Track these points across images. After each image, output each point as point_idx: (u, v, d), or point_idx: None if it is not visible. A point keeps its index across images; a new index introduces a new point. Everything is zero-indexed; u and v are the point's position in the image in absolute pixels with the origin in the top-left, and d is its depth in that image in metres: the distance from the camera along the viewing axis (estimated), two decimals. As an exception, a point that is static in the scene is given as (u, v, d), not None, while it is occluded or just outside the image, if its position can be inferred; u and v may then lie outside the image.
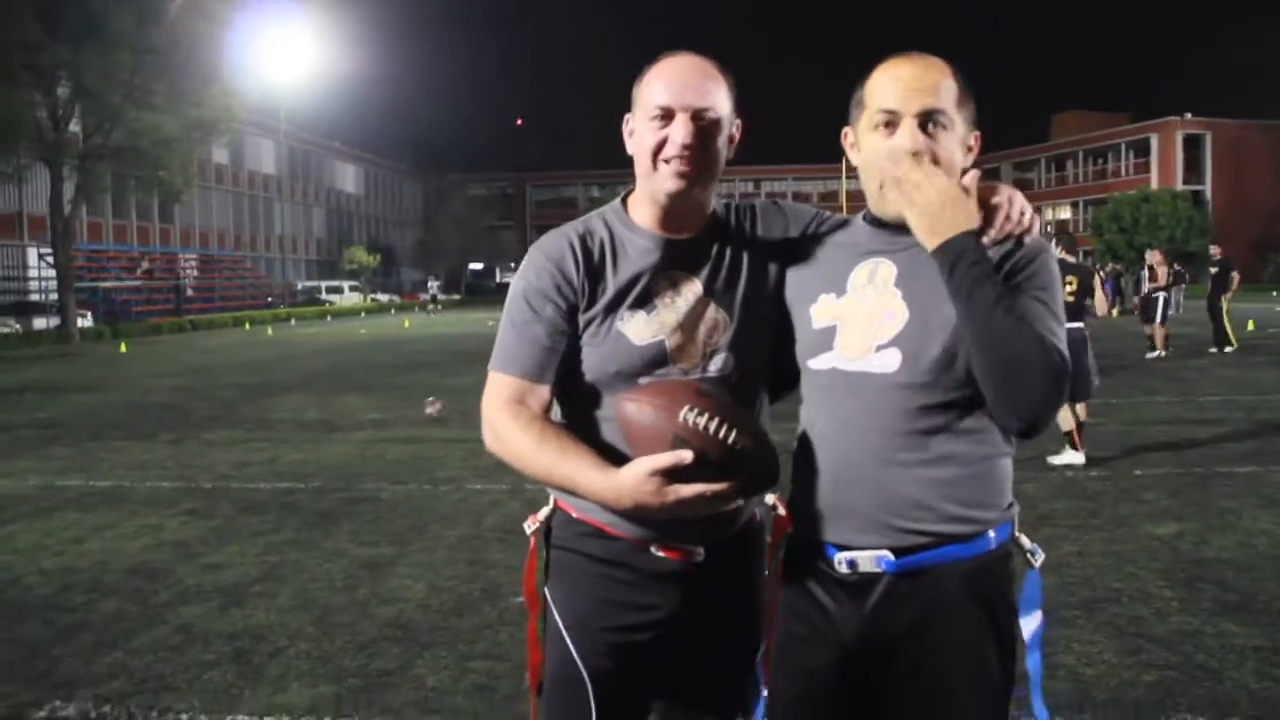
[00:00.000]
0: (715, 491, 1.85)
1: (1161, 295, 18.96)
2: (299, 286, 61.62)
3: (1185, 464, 8.70)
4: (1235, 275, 20.22)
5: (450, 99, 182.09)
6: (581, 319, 2.08)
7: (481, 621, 5.02)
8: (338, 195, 77.70)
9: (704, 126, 2.01)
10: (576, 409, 2.15)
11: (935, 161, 1.92)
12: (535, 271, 2.11)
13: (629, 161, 2.11)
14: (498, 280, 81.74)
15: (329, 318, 49.16)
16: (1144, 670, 4.31)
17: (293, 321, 44.82)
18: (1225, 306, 19.51)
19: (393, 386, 16.40)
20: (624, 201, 2.19)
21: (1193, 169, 70.63)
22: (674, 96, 2.00)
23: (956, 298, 1.84)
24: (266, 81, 42.91)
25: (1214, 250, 20.55)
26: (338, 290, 61.62)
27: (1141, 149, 72.88)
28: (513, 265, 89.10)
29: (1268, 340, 21.81)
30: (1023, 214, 1.96)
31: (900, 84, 1.94)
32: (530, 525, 2.21)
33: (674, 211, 2.08)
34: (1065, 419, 8.46)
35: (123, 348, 28.77)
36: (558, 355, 2.08)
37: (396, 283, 78.13)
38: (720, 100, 2.04)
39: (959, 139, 1.97)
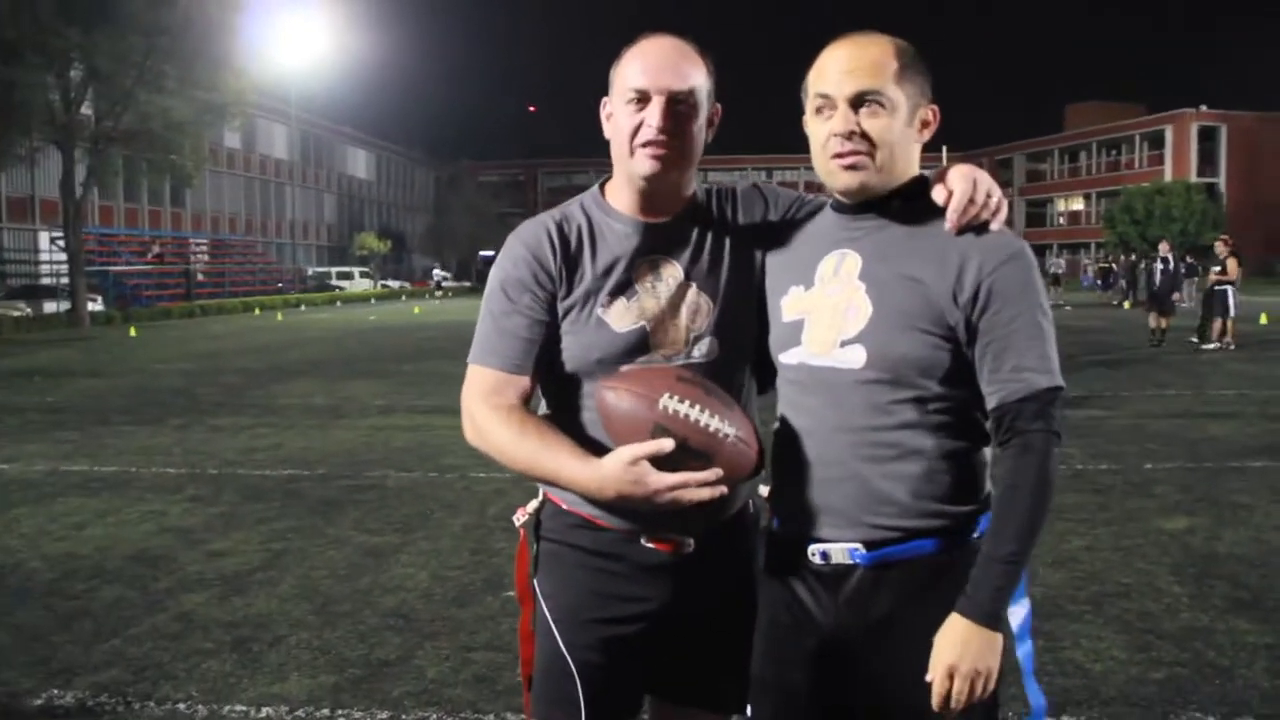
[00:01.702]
0: (698, 480, 1.81)
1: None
2: (309, 272, 61.70)
3: (1197, 458, 8.61)
4: (1229, 262, 19.10)
5: (463, 85, 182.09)
6: (561, 307, 2.05)
7: (483, 612, 4.98)
8: (349, 181, 77.73)
9: (681, 109, 1.98)
10: (559, 398, 2.12)
11: (869, 140, 1.87)
12: (512, 261, 2.08)
13: None
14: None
15: (339, 304, 49.24)
16: (1153, 667, 4.25)
17: (302, 307, 44.88)
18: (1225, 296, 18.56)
19: (401, 373, 16.38)
20: (602, 188, 2.16)
21: (1207, 161, 70.25)
22: (650, 79, 1.97)
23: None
24: (279, 66, 42.89)
25: (1219, 245, 19.80)
26: (348, 276, 61.75)
27: (1156, 141, 72.52)
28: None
29: (1275, 333, 21.66)
30: (988, 197, 1.90)
31: (834, 66, 1.91)
32: (519, 518, 2.18)
33: (652, 195, 2.05)
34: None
35: (132, 332, 28.80)
36: (537, 346, 2.05)
37: (407, 269, 78.23)
38: (698, 82, 2.01)
39: (901, 118, 1.90)
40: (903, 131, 1.91)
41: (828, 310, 1.94)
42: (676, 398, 1.84)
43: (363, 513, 7.05)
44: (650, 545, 2.05)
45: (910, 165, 1.96)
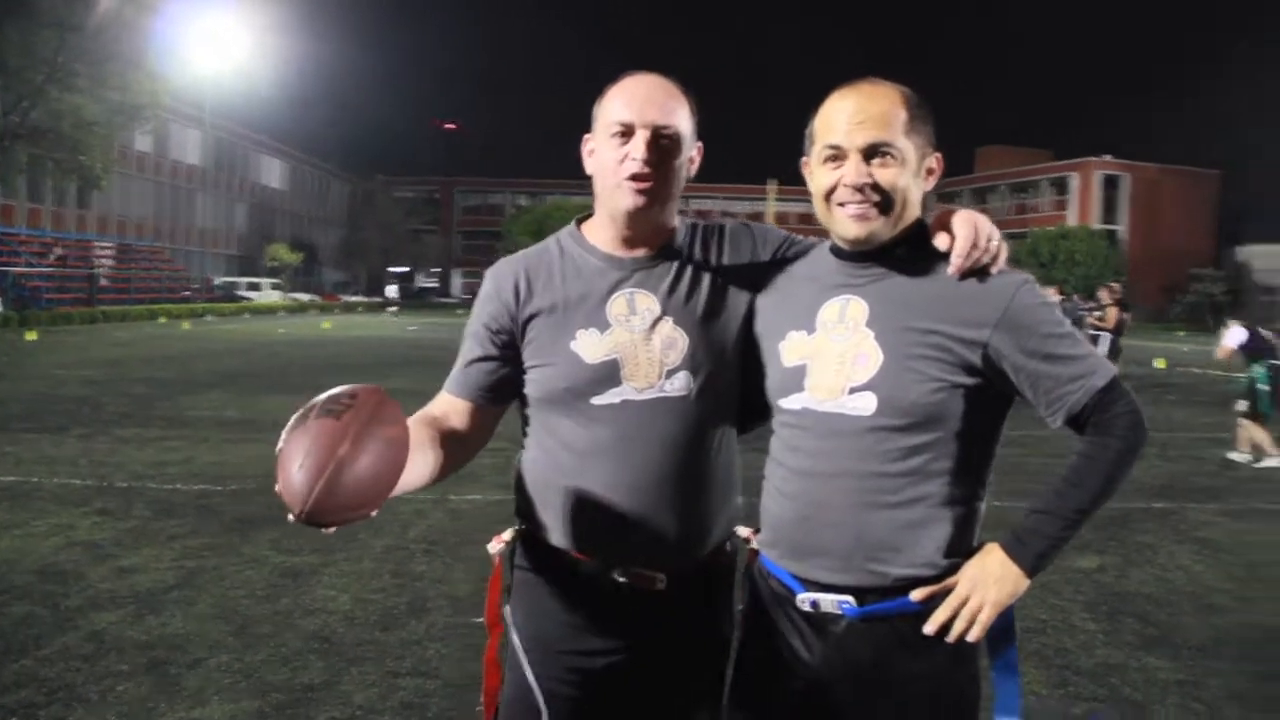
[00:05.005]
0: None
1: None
2: (217, 281, 60.32)
3: (1104, 498, 8.83)
4: (1109, 310, 19.32)
5: (381, 99, 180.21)
6: (531, 341, 2.09)
7: (409, 637, 4.91)
8: (262, 190, 76.25)
9: (664, 144, 2.01)
10: (533, 427, 2.15)
11: (880, 192, 1.90)
12: (482, 301, 2.18)
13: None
14: (420, 284, 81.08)
15: (247, 315, 48.24)
16: (1073, 703, 4.35)
17: (209, 317, 43.83)
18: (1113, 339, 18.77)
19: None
20: (579, 224, 2.19)
21: (1110, 209, 72.62)
22: (634, 113, 2.00)
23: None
24: (194, 70, 42.07)
25: (1103, 293, 20.07)
26: (257, 287, 60.49)
27: (1062, 186, 74.76)
28: (435, 270, 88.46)
29: (1177, 379, 22.41)
30: (989, 241, 1.94)
31: (844, 117, 1.92)
32: (495, 546, 2.17)
33: (633, 229, 2.08)
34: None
35: (30, 335, 27.84)
36: (493, 378, 2.13)
37: (318, 282, 76.94)
38: (681, 119, 2.04)
39: (910, 168, 1.93)
40: (911, 180, 1.94)
41: (834, 356, 1.95)
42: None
43: (280, 532, 6.88)
44: (622, 579, 2.05)
45: (914, 211, 1.99)
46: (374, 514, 1.76)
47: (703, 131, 2.11)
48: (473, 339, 2.16)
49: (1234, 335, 11.53)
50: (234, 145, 70.53)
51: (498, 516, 7.36)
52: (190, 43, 39.55)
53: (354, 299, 60.52)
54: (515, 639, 2.12)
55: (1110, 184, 73.02)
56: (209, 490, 8.16)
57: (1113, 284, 21.95)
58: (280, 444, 1.72)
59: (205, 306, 47.64)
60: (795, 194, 77.02)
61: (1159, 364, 25.06)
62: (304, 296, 63.55)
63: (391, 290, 55.46)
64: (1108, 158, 73.36)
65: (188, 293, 53.13)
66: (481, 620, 2.21)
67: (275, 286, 62.01)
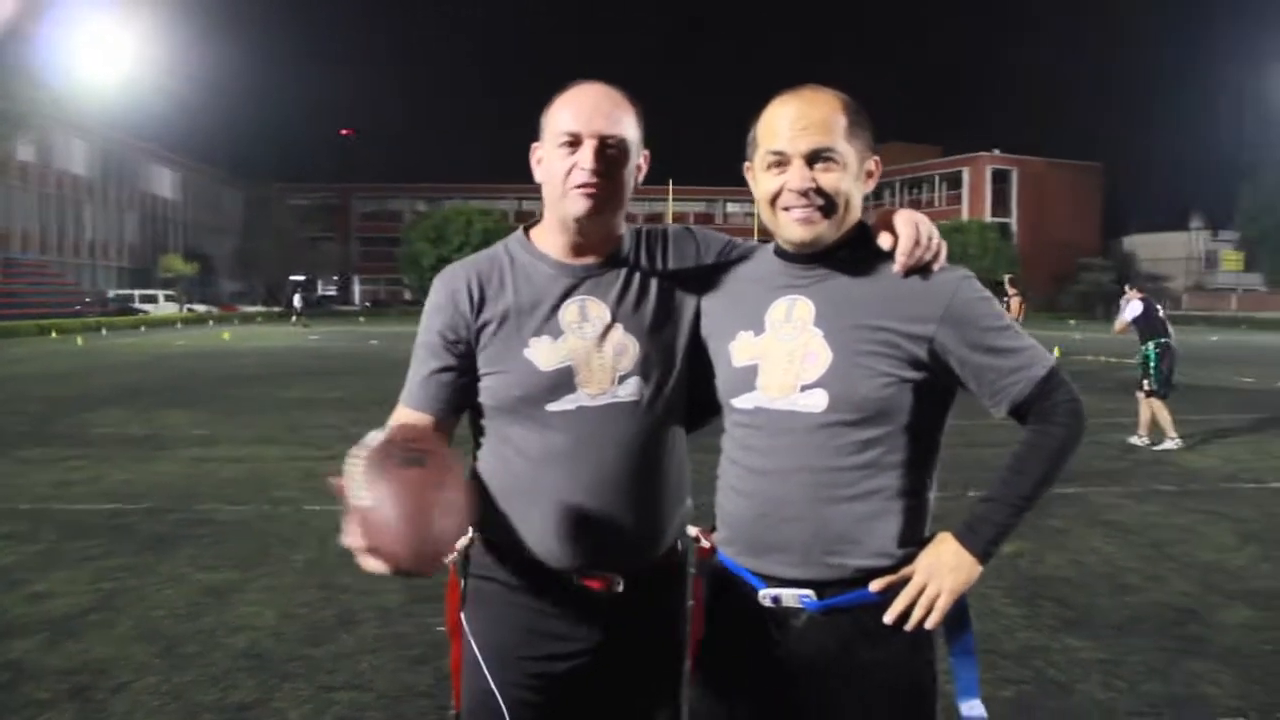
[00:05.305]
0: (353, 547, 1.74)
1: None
2: (110, 295, 58.55)
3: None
4: (1013, 301, 20.43)
5: (274, 105, 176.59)
6: (483, 349, 2.09)
7: (340, 650, 4.83)
8: (153, 200, 74.18)
9: (611, 153, 2.03)
10: (486, 435, 2.15)
11: (824, 196, 1.95)
12: (431, 310, 2.15)
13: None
14: (320, 293, 79.47)
15: (143, 328, 46.89)
16: (1001, 686, 4.47)
17: (104, 331, 42.50)
18: None
19: (219, 401, 15.72)
20: (526, 231, 2.20)
21: (1000, 202, 74.68)
22: (582, 123, 2.02)
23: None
24: (79, 78, 40.74)
25: (1007, 285, 21.50)
26: (152, 299, 58.93)
27: (954, 181, 76.62)
28: (335, 278, 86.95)
29: (1073, 366, 23.09)
30: (930, 239, 2.00)
31: (787, 123, 1.97)
32: (448, 555, 2.14)
33: (582, 237, 2.10)
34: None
35: (-87, 356, 26.73)
36: (446, 389, 2.11)
37: (214, 293, 75.17)
38: (628, 128, 2.07)
39: (852, 172, 1.98)
40: (852, 184, 1.99)
41: (783, 355, 1.99)
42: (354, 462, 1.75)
43: (197, 549, 6.73)
44: (581, 583, 2.06)
45: (856, 214, 2.04)
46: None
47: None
48: (427, 350, 2.12)
49: (1131, 309, 11.92)
50: (122, 154, 68.41)
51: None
52: (75, 49, 38.27)
53: (252, 309, 59.26)
54: (474, 647, 2.11)
55: (1000, 178, 75.08)
56: (121, 509, 7.92)
57: (1010, 274, 22.77)
58: (363, 499, 1.70)
59: (100, 320, 46.17)
60: (692, 194, 77.48)
61: (1055, 353, 25.67)
62: (201, 308, 62.10)
63: (297, 300, 54.52)
64: (996, 152, 75.44)
65: (79, 306, 51.45)
66: (443, 628, 2.20)
67: (171, 298, 60.46)
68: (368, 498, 1.70)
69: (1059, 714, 4.24)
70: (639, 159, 2.11)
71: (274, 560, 6.45)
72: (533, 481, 2.06)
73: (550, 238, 2.14)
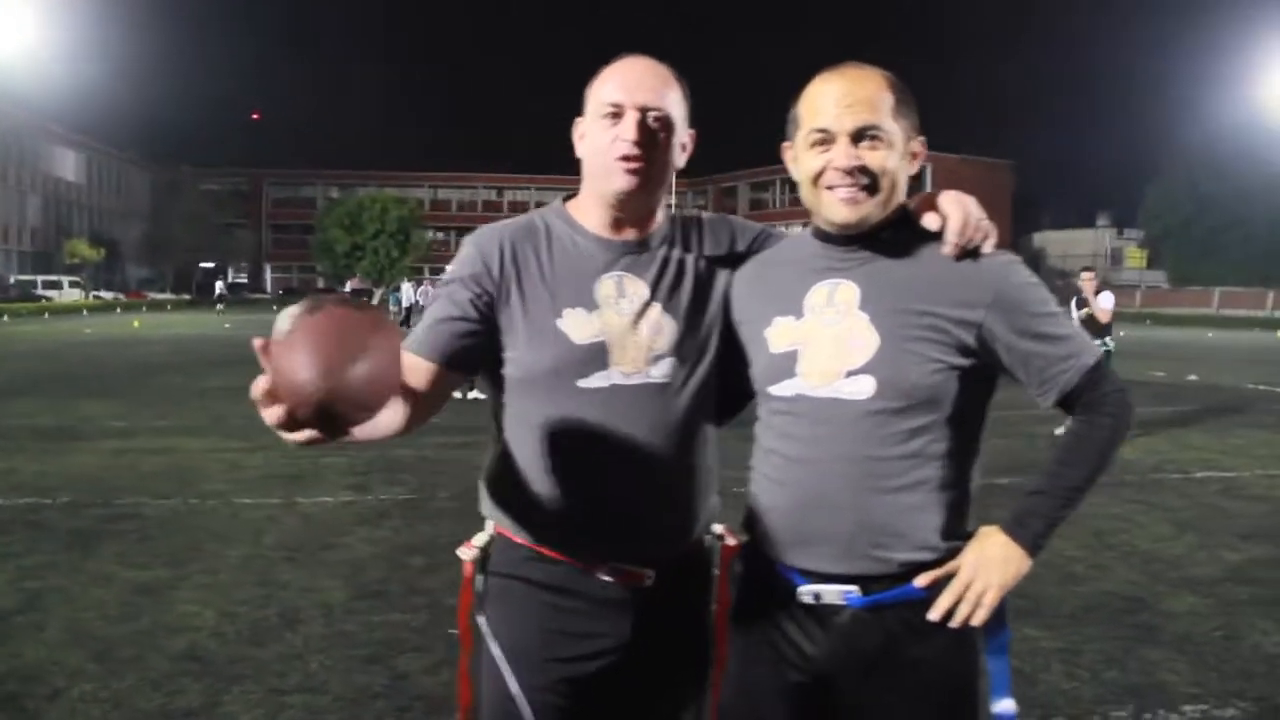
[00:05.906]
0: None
1: None
2: (11, 280, 56.58)
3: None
4: None
5: (183, 86, 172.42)
6: (512, 319, 1.98)
7: (287, 650, 4.65)
8: (56, 183, 71.83)
9: (653, 126, 1.96)
10: (511, 418, 2.04)
11: (869, 175, 1.88)
12: (461, 263, 2.04)
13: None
14: (230, 279, 77.61)
15: (47, 315, 45.42)
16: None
17: (5, 318, 41.04)
18: None
19: (134, 391, 15.24)
20: (564, 203, 2.11)
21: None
22: (626, 94, 1.96)
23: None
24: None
25: None
26: (56, 285, 57.11)
27: (872, 175, 77.63)
28: (245, 265, 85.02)
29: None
30: (980, 221, 1.94)
31: (832, 100, 1.90)
32: (466, 552, 2.04)
33: (622, 212, 2.02)
34: None
35: None
36: (462, 341, 1.97)
37: (121, 279, 73.10)
38: (673, 104, 2.00)
39: (898, 150, 1.92)
40: (899, 163, 1.92)
41: (827, 340, 1.91)
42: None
43: (124, 545, 6.45)
44: (608, 579, 1.97)
45: (901, 194, 1.97)
46: (367, 419, 1.55)
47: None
48: (446, 299, 2.00)
49: (1107, 298, 12.24)
50: (21, 133, 65.99)
51: (352, 518, 7.14)
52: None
53: (161, 296, 57.71)
54: (495, 650, 1.99)
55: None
56: (38, 504, 7.57)
57: None
58: (287, 327, 1.46)
59: (0, 306, 44.57)
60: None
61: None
62: (108, 294, 60.36)
63: (220, 287, 53.39)
64: (913, 147, 76.65)
65: (-23, 293, 49.66)
66: (454, 632, 2.07)
67: (76, 285, 58.65)
68: (286, 330, 1.47)
69: (1026, 703, 4.17)
70: (684, 137, 2.04)
71: (207, 556, 6.20)
72: (562, 465, 1.96)
73: (589, 213, 2.05)
